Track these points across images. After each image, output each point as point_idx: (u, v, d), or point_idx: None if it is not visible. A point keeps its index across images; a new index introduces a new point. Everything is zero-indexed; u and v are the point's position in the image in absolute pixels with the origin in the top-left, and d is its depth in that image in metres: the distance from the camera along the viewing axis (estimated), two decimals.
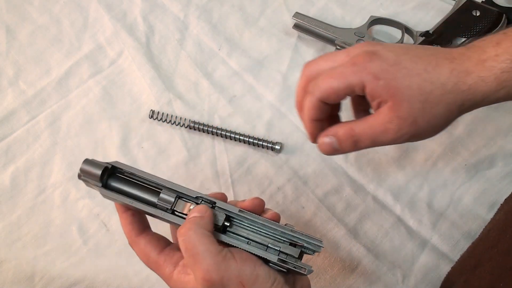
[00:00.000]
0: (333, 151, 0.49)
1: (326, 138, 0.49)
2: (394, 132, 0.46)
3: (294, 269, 0.45)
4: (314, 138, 0.50)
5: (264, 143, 0.68)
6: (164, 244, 0.47)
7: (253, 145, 0.68)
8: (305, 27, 0.75)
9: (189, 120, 0.69)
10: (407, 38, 0.73)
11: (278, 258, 0.45)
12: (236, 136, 0.68)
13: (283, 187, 0.67)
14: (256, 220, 0.46)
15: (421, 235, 0.63)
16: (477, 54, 0.45)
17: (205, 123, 0.70)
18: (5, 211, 0.66)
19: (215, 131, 0.69)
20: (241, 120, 0.71)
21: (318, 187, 0.66)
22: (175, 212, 0.46)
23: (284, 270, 0.45)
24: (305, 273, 0.45)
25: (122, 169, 0.47)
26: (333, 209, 0.65)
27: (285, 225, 0.47)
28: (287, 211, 0.65)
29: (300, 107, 0.50)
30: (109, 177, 0.47)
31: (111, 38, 0.77)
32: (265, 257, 0.45)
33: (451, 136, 0.69)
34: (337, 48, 0.73)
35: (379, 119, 0.46)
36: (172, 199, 0.46)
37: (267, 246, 0.46)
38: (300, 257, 0.46)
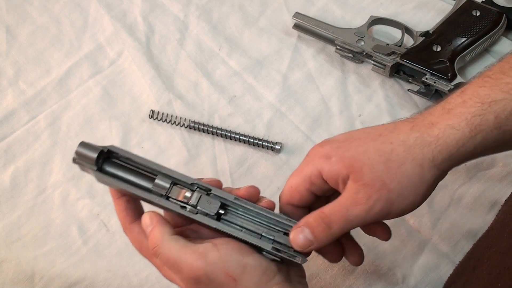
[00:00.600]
0: (309, 243, 0.43)
1: (297, 232, 0.44)
2: (364, 201, 0.42)
3: (288, 258, 0.44)
4: None
5: (264, 143, 0.68)
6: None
7: (253, 145, 0.68)
8: (305, 27, 0.75)
9: (189, 120, 0.69)
10: (407, 38, 0.73)
11: (272, 247, 0.44)
12: (236, 136, 0.68)
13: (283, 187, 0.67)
14: (251, 208, 0.46)
15: (421, 235, 0.63)
16: (440, 107, 0.42)
17: (205, 123, 0.69)
18: (5, 211, 0.66)
19: (215, 131, 0.68)
20: (241, 120, 0.71)
21: None
22: (170, 199, 0.46)
23: (278, 259, 0.44)
24: (299, 262, 0.44)
25: (117, 153, 0.47)
26: None
27: (280, 213, 0.47)
28: None
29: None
30: (104, 161, 0.46)
31: (111, 38, 0.77)
32: (258, 245, 0.44)
33: None
34: (337, 48, 0.73)
35: (346, 194, 0.43)
36: (167, 185, 0.46)
37: (261, 235, 0.45)
38: None
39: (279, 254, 0.44)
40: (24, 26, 0.78)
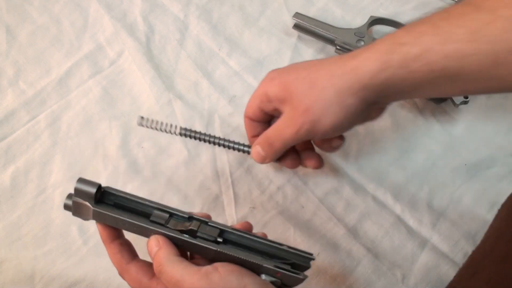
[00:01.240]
0: (262, 158, 0.55)
1: (254, 148, 0.56)
2: (293, 123, 0.50)
3: (289, 273, 0.45)
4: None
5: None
6: (153, 270, 0.48)
7: (249, 154, 0.61)
8: (305, 27, 0.75)
9: (180, 127, 0.60)
10: None
11: (275, 265, 0.45)
12: (230, 144, 0.61)
13: (283, 187, 0.67)
14: (248, 236, 0.47)
15: (421, 235, 0.63)
16: (364, 47, 0.48)
17: (197, 130, 0.61)
18: (5, 211, 0.66)
19: (208, 138, 0.61)
20: (241, 120, 0.71)
21: (318, 187, 0.66)
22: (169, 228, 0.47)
23: (278, 280, 0.45)
24: (301, 277, 0.45)
25: (112, 193, 0.47)
26: (333, 209, 0.65)
27: (274, 242, 0.48)
28: (287, 211, 0.65)
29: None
30: (100, 199, 0.47)
31: (111, 38, 0.77)
32: (261, 263, 0.45)
33: (451, 136, 0.69)
34: (337, 48, 0.73)
35: (282, 117, 0.52)
36: (166, 215, 0.47)
37: (261, 258, 0.46)
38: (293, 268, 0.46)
39: (282, 270, 0.45)
40: (24, 26, 0.78)
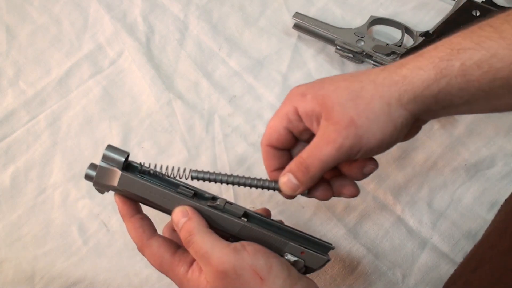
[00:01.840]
0: (294, 187, 0.46)
1: (283, 177, 0.46)
2: (334, 139, 0.43)
3: (314, 252, 0.45)
4: None
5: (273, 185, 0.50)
6: (175, 245, 0.47)
7: (262, 188, 0.50)
8: (305, 27, 0.75)
9: (190, 169, 0.49)
10: (407, 38, 0.73)
11: (300, 244, 0.45)
12: (253, 182, 0.50)
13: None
14: (269, 221, 0.47)
15: (421, 234, 0.63)
16: (412, 56, 0.43)
17: (211, 171, 0.49)
18: (5, 211, 0.66)
19: (227, 179, 0.49)
20: (241, 120, 0.71)
21: None
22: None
23: (302, 260, 0.45)
24: (326, 257, 0.46)
25: (136, 166, 0.47)
26: (333, 209, 0.65)
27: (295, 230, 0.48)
28: (287, 211, 0.65)
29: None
30: (126, 168, 0.47)
31: (111, 38, 0.77)
32: (287, 241, 0.45)
33: (451, 136, 0.69)
34: (337, 48, 0.73)
35: (319, 133, 0.44)
36: (192, 191, 0.47)
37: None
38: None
39: (307, 249, 0.45)
40: (24, 26, 0.78)
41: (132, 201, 0.48)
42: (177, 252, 0.46)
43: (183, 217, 0.45)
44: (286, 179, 0.46)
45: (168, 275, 0.47)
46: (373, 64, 0.72)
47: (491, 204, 0.64)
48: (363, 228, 0.64)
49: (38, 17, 0.79)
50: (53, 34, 0.78)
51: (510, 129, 0.69)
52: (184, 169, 0.48)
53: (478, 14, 0.70)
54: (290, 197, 0.48)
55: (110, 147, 0.46)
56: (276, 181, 0.48)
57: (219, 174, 0.49)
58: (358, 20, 0.77)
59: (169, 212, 0.47)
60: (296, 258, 0.45)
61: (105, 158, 0.46)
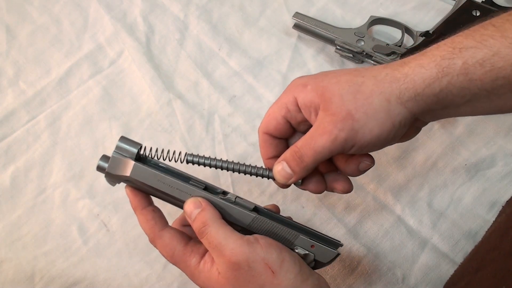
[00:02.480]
0: (288, 176, 0.46)
1: (277, 165, 0.47)
2: (329, 130, 0.43)
3: (325, 246, 0.45)
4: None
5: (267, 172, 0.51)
6: (187, 237, 0.47)
7: (256, 175, 0.51)
8: (305, 27, 0.75)
9: (186, 153, 0.50)
10: (407, 38, 0.73)
11: (310, 237, 0.45)
12: (247, 169, 0.50)
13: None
14: (279, 217, 0.48)
15: (421, 234, 0.63)
16: (415, 55, 0.43)
17: (206, 156, 0.50)
18: (5, 211, 0.66)
19: (222, 164, 0.50)
20: (241, 120, 0.71)
21: None
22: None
23: (312, 253, 0.46)
24: (336, 251, 0.46)
25: (149, 158, 0.48)
26: (333, 209, 0.65)
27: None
28: (287, 211, 0.65)
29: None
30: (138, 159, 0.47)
31: (111, 38, 0.77)
32: (298, 233, 0.45)
33: (451, 136, 0.69)
34: (337, 48, 0.73)
35: (316, 124, 0.44)
36: (203, 184, 0.47)
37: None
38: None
39: (318, 242, 0.45)
40: (24, 26, 0.78)
41: (143, 193, 0.48)
42: (189, 244, 0.46)
43: (196, 208, 0.45)
44: (280, 168, 0.47)
45: (180, 266, 0.47)
46: (373, 64, 0.72)
47: (491, 204, 0.64)
48: (363, 228, 0.64)
49: (38, 17, 0.79)
50: (53, 34, 0.78)
51: (510, 129, 0.69)
52: (180, 153, 0.49)
53: (478, 14, 0.70)
54: (284, 185, 0.48)
55: (123, 139, 0.47)
56: (270, 169, 0.49)
57: (214, 159, 0.49)
58: (358, 20, 0.77)
59: (180, 203, 0.47)
60: (306, 252, 0.45)
61: (118, 148, 0.46)
